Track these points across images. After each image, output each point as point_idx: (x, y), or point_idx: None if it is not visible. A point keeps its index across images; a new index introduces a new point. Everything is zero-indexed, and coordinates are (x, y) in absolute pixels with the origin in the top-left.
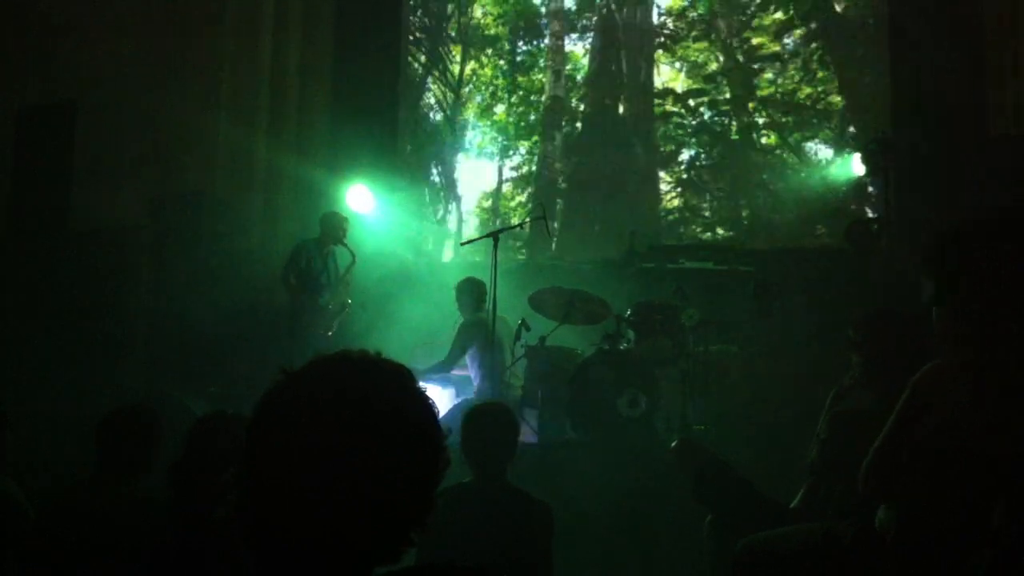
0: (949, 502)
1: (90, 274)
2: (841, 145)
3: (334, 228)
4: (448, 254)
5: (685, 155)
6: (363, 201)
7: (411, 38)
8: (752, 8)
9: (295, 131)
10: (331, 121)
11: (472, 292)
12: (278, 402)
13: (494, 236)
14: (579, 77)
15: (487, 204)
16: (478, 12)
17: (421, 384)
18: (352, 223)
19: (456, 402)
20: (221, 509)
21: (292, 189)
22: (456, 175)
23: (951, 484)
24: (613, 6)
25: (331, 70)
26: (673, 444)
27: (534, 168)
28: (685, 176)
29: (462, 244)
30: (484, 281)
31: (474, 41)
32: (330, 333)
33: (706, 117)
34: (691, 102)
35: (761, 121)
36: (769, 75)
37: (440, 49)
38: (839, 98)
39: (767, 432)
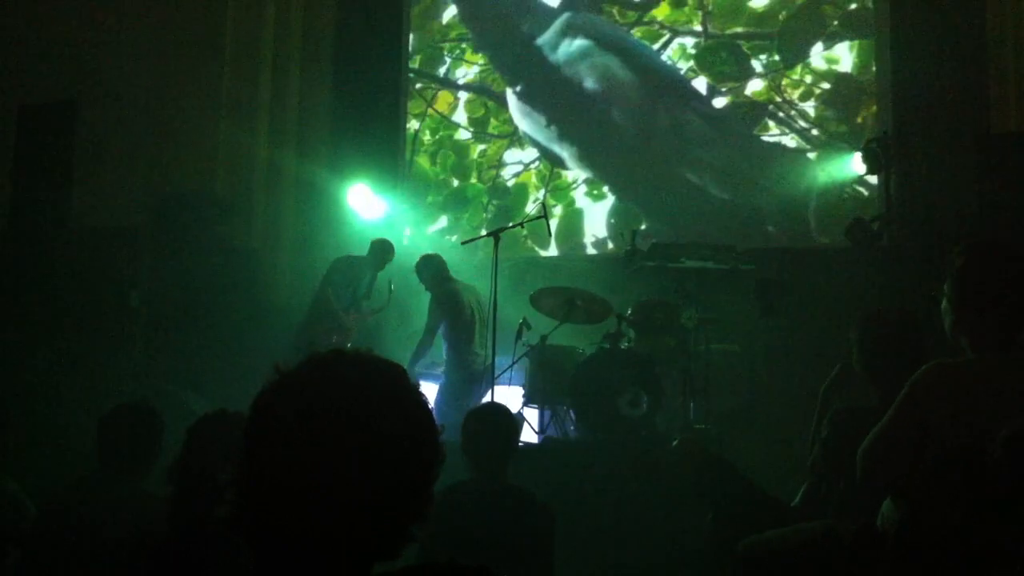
0: (952, 503)
1: (90, 273)
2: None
3: (383, 257)
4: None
5: None
6: (365, 202)
7: None
8: None
9: (296, 130)
10: (332, 120)
11: (429, 268)
12: (274, 401)
13: (494, 235)
14: None
15: None
16: None
17: (416, 381)
18: (356, 231)
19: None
20: (221, 508)
21: (293, 189)
22: None
23: (955, 486)
24: None
25: (332, 69)
26: (674, 443)
27: None
28: None
29: (462, 243)
30: (437, 253)
31: None
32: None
33: None
34: None
35: None
36: None
37: None
38: None
39: (768, 431)
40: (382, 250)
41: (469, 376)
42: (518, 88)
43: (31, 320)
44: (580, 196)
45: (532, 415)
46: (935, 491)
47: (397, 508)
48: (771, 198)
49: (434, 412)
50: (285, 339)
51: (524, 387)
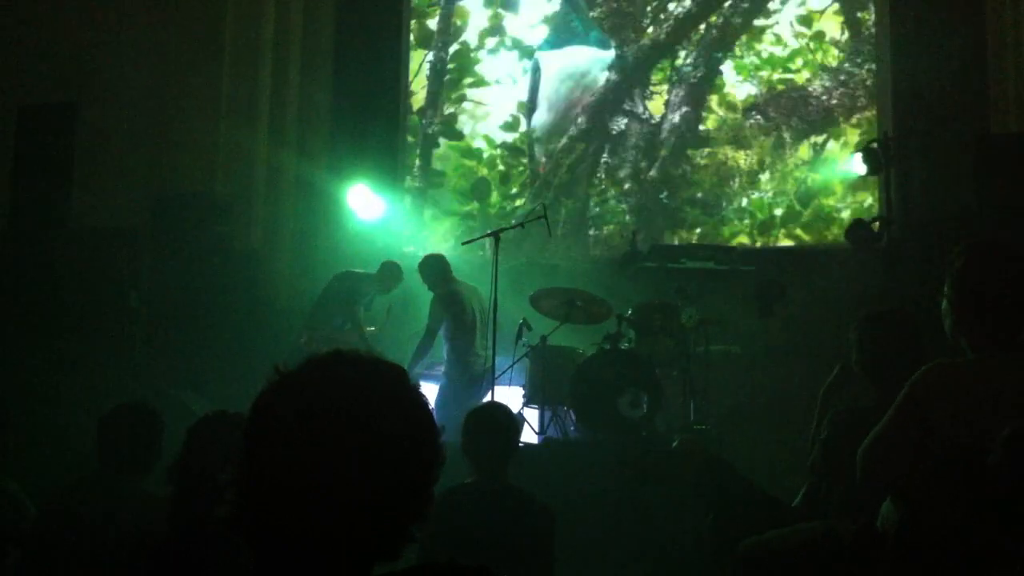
0: (952, 503)
1: (89, 273)
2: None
3: (391, 281)
4: None
5: None
6: (365, 202)
7: None
8: None
9: (296, 131)
10: (332, 120)
11: (433, 267)
12: (274, 401)
13: (495, 235)
14: None
15: None
16: None
17: (416, 382)
18: (355, 231)
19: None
20: (221, 508)
21: (293, 189)
22: None
23: (955, 486)
24: None
25: (332, 69)
26: (674, 444)
27: None
28: None
29: (463, 243)
30: (442, 254)
31: None
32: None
33: None
34: None
35: None
36: None
37: None
38: None
39: (768, 432)
40: (392, 276)
41: (470, 377)
42: None
43: (31, 320)
44: None
45: (532, 415)
46: (935, 491)
47: (397, 508)
48: None
49: (434, 413)
50: (285, 339)
51: (524, 387)
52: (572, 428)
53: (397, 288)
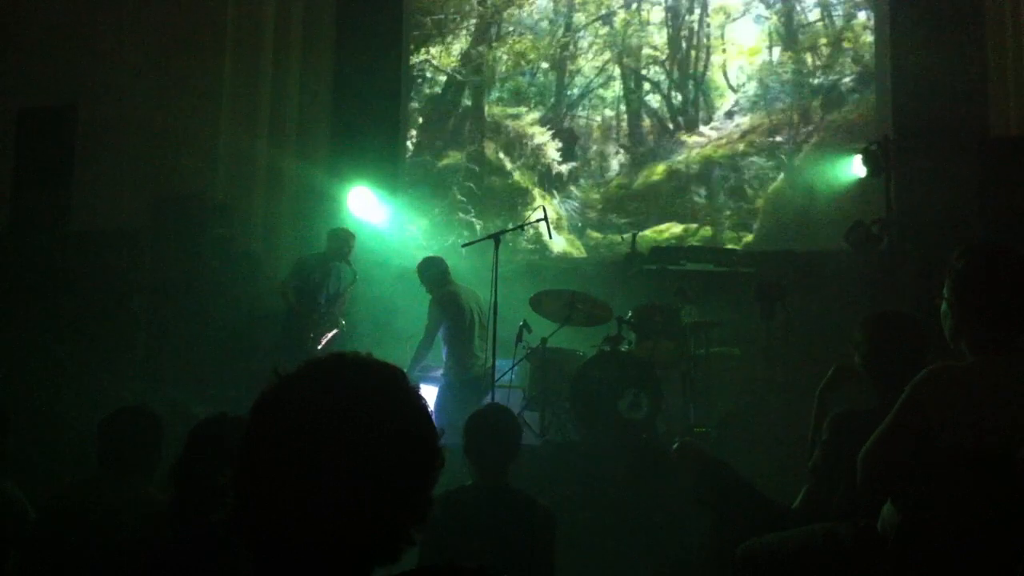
0: (952, 505)
1: (90, 275)
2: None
3: (340, 244)
4: None
5: None
6: (365, 204)
7: None
8: None
9: (296, 133)
10: (332, 123)
11: (431, 269)
12: (273, 404)
13: (495, 238)
14: None
15: None
16: None
17: (414, 384)
18: (357, 232)
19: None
20: (221, 510)
21: (293, 191)
22: None
23: (956, 488)
24: None
25: (333, 71)
26: (674, 446)
27: None
28: None
29: (463, 246)
30: (441, 256)
31: None
32: (319, 347)
33: None
34: None
35: None
36: None
37: None
38: None
39: (768, 434)
40: (342, 239)
41: (469, 379)
42: None
43: (32, 324)
44: None
45: (533, 417)
46: (936, 494)
47: (396, 511)
48: None
49: (434, 415)
50: (285, 341)
51: (524, 389)
52: (572, 430)
53: (352, 248)
